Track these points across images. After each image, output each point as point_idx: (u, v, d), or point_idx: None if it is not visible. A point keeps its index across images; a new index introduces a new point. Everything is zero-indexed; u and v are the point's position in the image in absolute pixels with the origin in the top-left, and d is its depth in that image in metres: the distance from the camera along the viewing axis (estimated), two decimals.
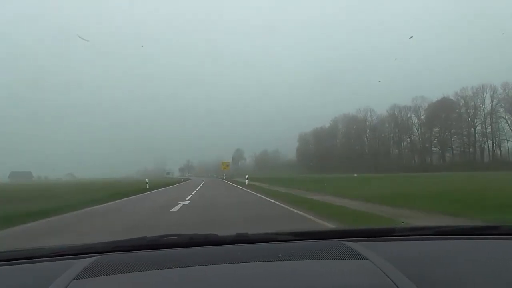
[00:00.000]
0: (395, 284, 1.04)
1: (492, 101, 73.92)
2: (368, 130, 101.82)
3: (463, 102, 79.45)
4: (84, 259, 1.32)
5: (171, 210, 10.81)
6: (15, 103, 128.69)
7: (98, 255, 1.39)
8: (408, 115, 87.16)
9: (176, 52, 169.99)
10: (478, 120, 76.26)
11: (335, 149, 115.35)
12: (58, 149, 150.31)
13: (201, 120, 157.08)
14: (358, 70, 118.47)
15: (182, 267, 1.23)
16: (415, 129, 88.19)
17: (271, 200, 13.45)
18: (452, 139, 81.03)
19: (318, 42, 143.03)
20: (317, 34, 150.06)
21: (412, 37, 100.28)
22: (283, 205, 11.63)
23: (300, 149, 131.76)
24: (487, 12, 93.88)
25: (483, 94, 75.18)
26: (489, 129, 74.73)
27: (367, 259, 1.25)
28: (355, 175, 77.28)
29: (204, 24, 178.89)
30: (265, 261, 1.28)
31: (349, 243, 1.41)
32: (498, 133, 72.51)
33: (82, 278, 1.15)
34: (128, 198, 17.70)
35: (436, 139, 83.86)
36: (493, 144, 73.45)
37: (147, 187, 27.04)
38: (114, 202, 15.32)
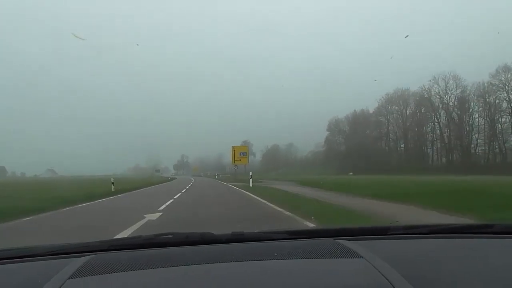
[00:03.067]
0: (390, 282, 1.09)
1: None
2: (442, 112, 77.26)
3: None
4: (79, 258, 1.39)
5: None
6: None
7: (93, 254, 1.46)
8: None
9: (173, 49, 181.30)
10: None
11: (381, 141, 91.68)
12: (42, 146, 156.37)
13: (199, 116, 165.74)
14: (356, 68, 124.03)
15: (177, 265, 1.29)
16: None
17: None
18: None
19: (317, 39, 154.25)
20: (316, 31, 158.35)
21: (408, 35, 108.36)
22: None
23: (330, 140, 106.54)
24: (482, 11, 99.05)
25: None
26: None
27: (362, 257, 1.29)
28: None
29: (200, 22, 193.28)
30: (261, 260, 1.33)
31: (344, 242, 1.48)
32: None
33: (77, 277, 1.20)
34: None
35: None
36: None
37: None
38: None
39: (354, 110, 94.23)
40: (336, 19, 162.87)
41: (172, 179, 60.51)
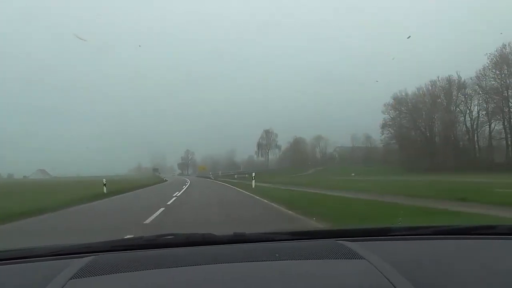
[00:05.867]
0: (392, 284, 1.13)
1: None
2: None
3: None
4: (81, 259, 1.50)
5: None
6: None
7: (95, 255, 1.59)
8: None
9: (175, 50, 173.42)
10: None
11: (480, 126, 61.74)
12: (35, 146, 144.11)
13: (205, 112, 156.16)
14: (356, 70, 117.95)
15: (178, 266, 1.38)
16: None
17: None
18: None
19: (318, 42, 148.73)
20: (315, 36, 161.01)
21: (409, 36, 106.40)
22: None
23: (390, 125, 72.38)
24: (485, 12, 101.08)
25: None
26: None
27: (364, 258, 1.38)
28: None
29: (203, 20, 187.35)
30: (262, 261, 1.42)
31: (346, 243, 1.59)
32: None
33: (79, 278, 1.27)
34: None
35: None
36: None
37: None
38: None
39: (438, 77, 60.02)
40: (339, 19, 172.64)
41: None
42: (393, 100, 74.07)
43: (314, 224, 8.85)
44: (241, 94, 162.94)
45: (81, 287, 1.20)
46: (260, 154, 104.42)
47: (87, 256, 1.51)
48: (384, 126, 77.42)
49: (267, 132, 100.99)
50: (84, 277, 1.25)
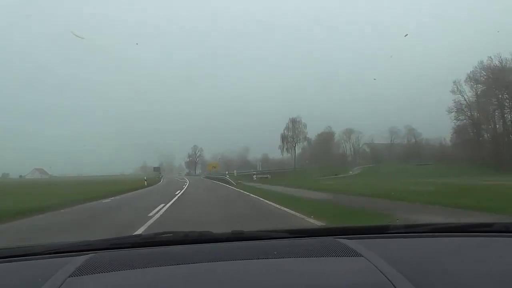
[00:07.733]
0: (390, 281, 1.16)
1: None
2: None
3: None
4: (79, 257, 1.56)
5: None
6: None
7: (93, 253, 1.64)
8: None
9: (180, 47, 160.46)
10: None
11: None
12: (33, 145, 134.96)
13: (214, 110, 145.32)
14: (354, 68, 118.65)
15: (177, 264, 1.44)
16: None
17: None
18: None
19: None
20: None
21: (407, 35, 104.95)
22: None
23: (466, 107, 56.54)
24: (482, 9, 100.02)
25: None
26: None
27: (362, 256, 1.42)
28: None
29: (200, 20, 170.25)
30: (260, 259, 1.47)
31: (344, 241, 1.63)
32: None
33: (77, 276, 1.31)
34: None
35: None
36: None
37: None
38: None
39: None
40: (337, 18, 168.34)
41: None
42: (474, 73, 54.60)
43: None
44: (250, 92, 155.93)
45: (79, 285, 1.22)
46: (285, 149, 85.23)
47: (85, 254, 1.54)
48: (457, 109, 57.86)
49: (294, 122, 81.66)
50: (82, 275, 1.27)
